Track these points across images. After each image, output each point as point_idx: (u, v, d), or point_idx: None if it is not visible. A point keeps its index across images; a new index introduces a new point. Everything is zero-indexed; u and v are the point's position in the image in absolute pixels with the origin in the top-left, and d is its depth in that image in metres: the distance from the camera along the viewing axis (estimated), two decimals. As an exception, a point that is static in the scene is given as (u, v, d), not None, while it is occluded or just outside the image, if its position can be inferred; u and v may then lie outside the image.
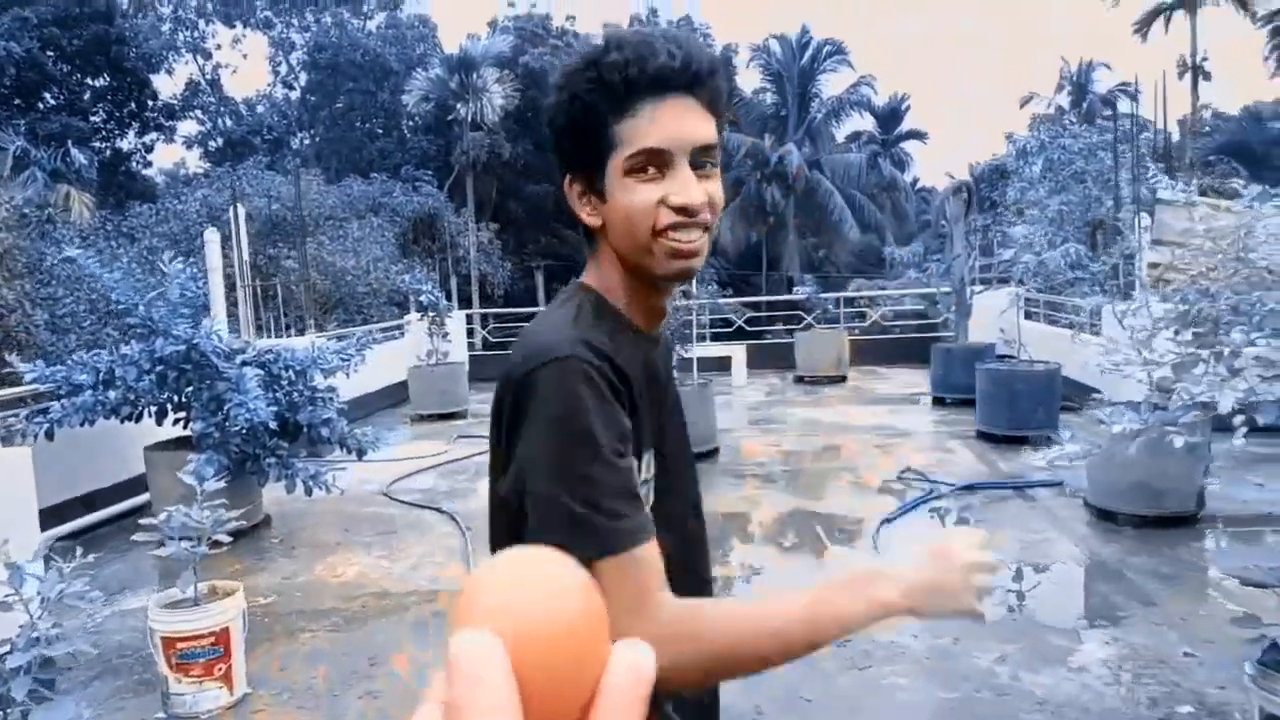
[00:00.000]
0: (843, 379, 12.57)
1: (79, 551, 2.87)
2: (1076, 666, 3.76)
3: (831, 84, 31.87)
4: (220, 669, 3.71)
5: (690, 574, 1.13)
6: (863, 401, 10.88)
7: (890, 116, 34.52)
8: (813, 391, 11.85)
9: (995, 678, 3.70)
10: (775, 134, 31.08)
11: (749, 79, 33.63)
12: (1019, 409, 7.81)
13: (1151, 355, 3.63)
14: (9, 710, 2.63)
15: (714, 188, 1.06)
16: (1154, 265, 6.40)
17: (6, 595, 2.67)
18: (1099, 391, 7.35)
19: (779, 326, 16.66)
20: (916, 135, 34.76)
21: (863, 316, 15.26)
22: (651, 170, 1.04)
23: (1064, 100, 32.14)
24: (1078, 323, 9.89)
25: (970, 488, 6.60)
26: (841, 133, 33.54)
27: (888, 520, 5.88)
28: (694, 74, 1.04)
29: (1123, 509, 5.51)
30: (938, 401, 10.23)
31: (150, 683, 3.94)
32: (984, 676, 3.71)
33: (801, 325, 14.21)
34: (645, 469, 1.07)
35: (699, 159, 1.05)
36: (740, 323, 15.65)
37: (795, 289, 15.06)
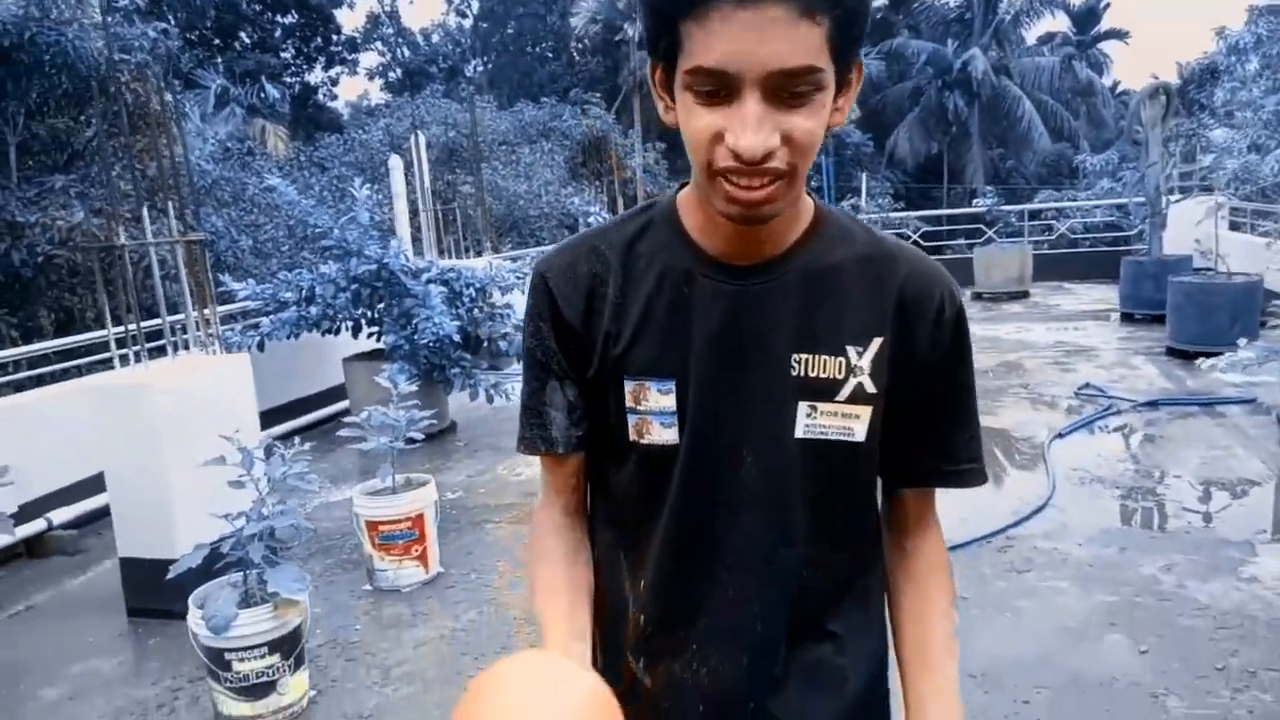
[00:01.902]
0: (1025, 295, 12.10)
1: (298, 440, 3.27)
2: (1247, 577, 3.66)
3: (1020, -18, 29.78)
4: (417, 550, 4.14)
5: (688, 524, 1.03)
6: (1045, 318, 10.48)
7: (1087, 15, 32.00)
8: (991, 308, 11.48)
9: (1159, 584, 3.66)
10: (959, 38, 29.47)
11: (930, -19, 31.89)
12: (1213, 323, 7.36)
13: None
14: (248, 571, 3.07)
15: (801, 123, 0.83)
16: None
17: (240, 475, 3.10)
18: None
19: (960, 241, 16.10)
20: (1116, 35, 32.13)
21: (1049, 230, 14.52)
22: (715, 92, 0.83)
23: (1292, -15, 28.86)
24: (1282, 231, 9.11)
25: (1153, 404, 6.33)
26: (1032, 35, 31.48)
27: (1060, 435, 5.76)
28: None
29: (1320, 425, 5.20)
30: (1126, 318, 9.75)
31: (357, 562, 4.43)
32: (1147, 583, 3.68)
33: (982, 239, 13.71)
34: (636, 397, 1.01)
35: (785, 85, 0.81)
36: (915, 238, 15.22)
37: (975, 201, 14.50)
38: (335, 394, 7.53)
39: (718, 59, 0.81)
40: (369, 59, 33.40)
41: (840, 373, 0.99)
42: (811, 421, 0.99)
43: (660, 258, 1.01)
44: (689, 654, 1.06)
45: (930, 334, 1.01)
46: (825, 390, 0.99)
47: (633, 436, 1.02)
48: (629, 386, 1.01)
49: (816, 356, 0.98)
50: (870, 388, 0.99)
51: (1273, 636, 3.21)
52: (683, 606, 1.05)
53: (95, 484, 5.24)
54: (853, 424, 1.00)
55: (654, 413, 1.00)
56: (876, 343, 1.00)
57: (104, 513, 5.21)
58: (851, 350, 0.99)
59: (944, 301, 1.02)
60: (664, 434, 1.01)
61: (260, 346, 6.30)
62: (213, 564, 3.18)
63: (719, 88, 0.82)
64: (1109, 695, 2.93)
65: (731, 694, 1.05)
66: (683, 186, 1.05)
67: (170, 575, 3.16)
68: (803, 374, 0.98)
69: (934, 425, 1.06)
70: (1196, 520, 4.37)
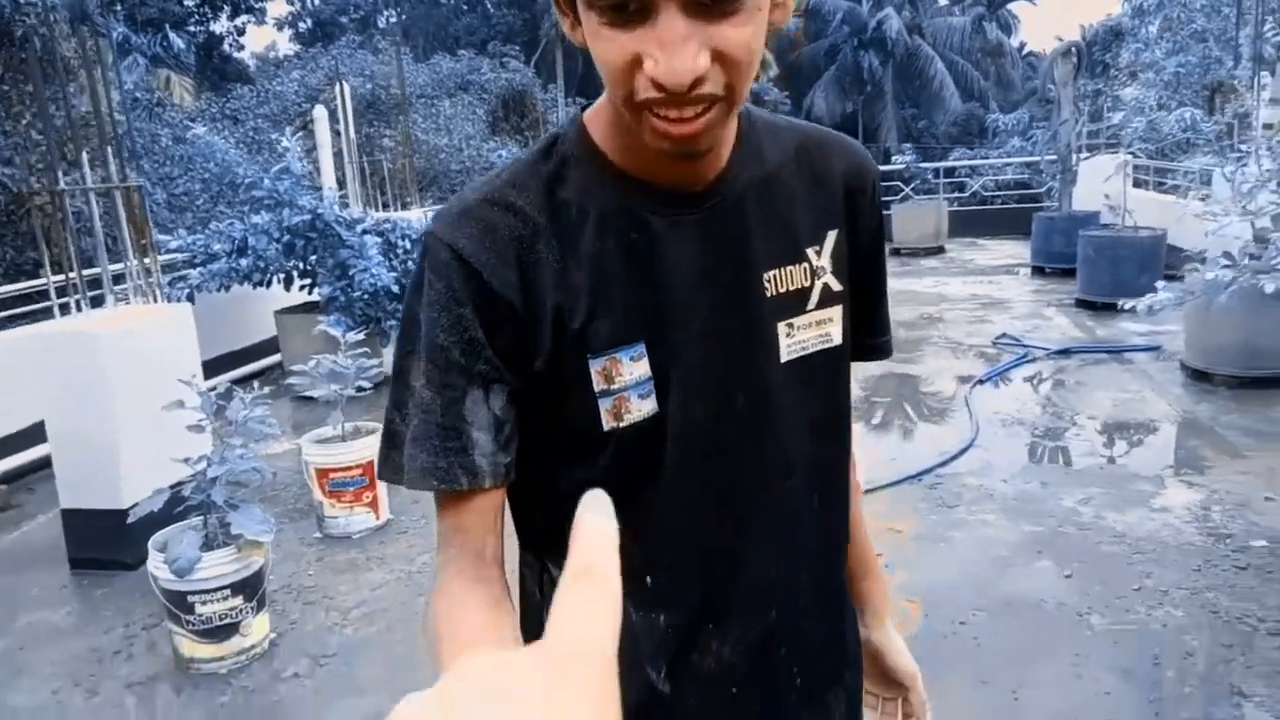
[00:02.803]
0: (940, 250, 12.49)
1: (256, 385, 3.28)
2: (1158, 507, 3.95)
3: (934, -58, 30.24)
4: (368, 497, 4.17)
5: (691, 500, 0.88)
6: (961, 273, 10.85)
7: (997, -24, 32.68)
8: (909, 264, 11.83)
9: (1079, 516, 3.92)
10: (873, -2, 29.85)
11: (847, -60, 32.10)
12: (1121, 275, 7.76)
13: (1252, 208, 3.67)
14: (209, 515, 3.09)
15: (735, 34, 0.71)
16: (1269, 126, 6.23)
17: (200, 419, 3.10)
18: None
19: (875, 199, 16.46)
20: (1025, -4, 32.89)
21: (962, 187, 14.98)
22: (623, 7, 0.70)
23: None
24: (1186, 187, 9.63)
25: (1065, 352, 6.68)
26: (944, -5, 32.01)
27: (980, 381, 6.04)
28: None
29: (1219, 370, 5.55)
30: (1037, 271, 10.17)
31: (304, 510, 4.45)
32: (1068, 514, 3.94)
33: (899, 197, 14.07)
34: (608, 375, 0.83)
35: None
36: (834, 195, 15.49)
37: (893, 159, 14.84)
38: (266, 348, 7.43)
39: None
40: (277, 8, 32.22)
41: (806, 279, 0.91)
42: (791, 340, 0.91)
43: (593, 202, 0.85)
44: (707, 634, 0.91)
45: (868, 214, 0.98)
46: (797, 303, 0.91)
47: (609, 424, 0.84)
48: (596, 365, 0.83)
49: (784, 269, 0.90)
50: (835, 285, 0.94)
51: (1182, 559, 3.48)
52: (696, 589, 0.91)
53: (22, 439, 5.13)
54: (829, 329, 0.93)
55: (630, 386, 0.84)
56: (831, 236, 0.93)
57: (34, 467, 5.12)
58: (810, 252, 0.92)
59: (874, 179, 0.99)
60: (643, 406, 0.85)
61: (190, 299, 6.18)
62: (173, 509, 3.18)
63: (627, 3, 0.69)
64: (1038, 615, 3.16)
65: (761, 658, 0.94)
66: (585, 108, 0.89)
67: (131, 519, 3.16)
68: (775, 292, 0.90)
69: (865, 301, 1.01)
70: (1110, 458, 4.67)
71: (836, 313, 0.94)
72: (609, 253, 0.84)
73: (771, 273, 0.89)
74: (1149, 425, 5.10)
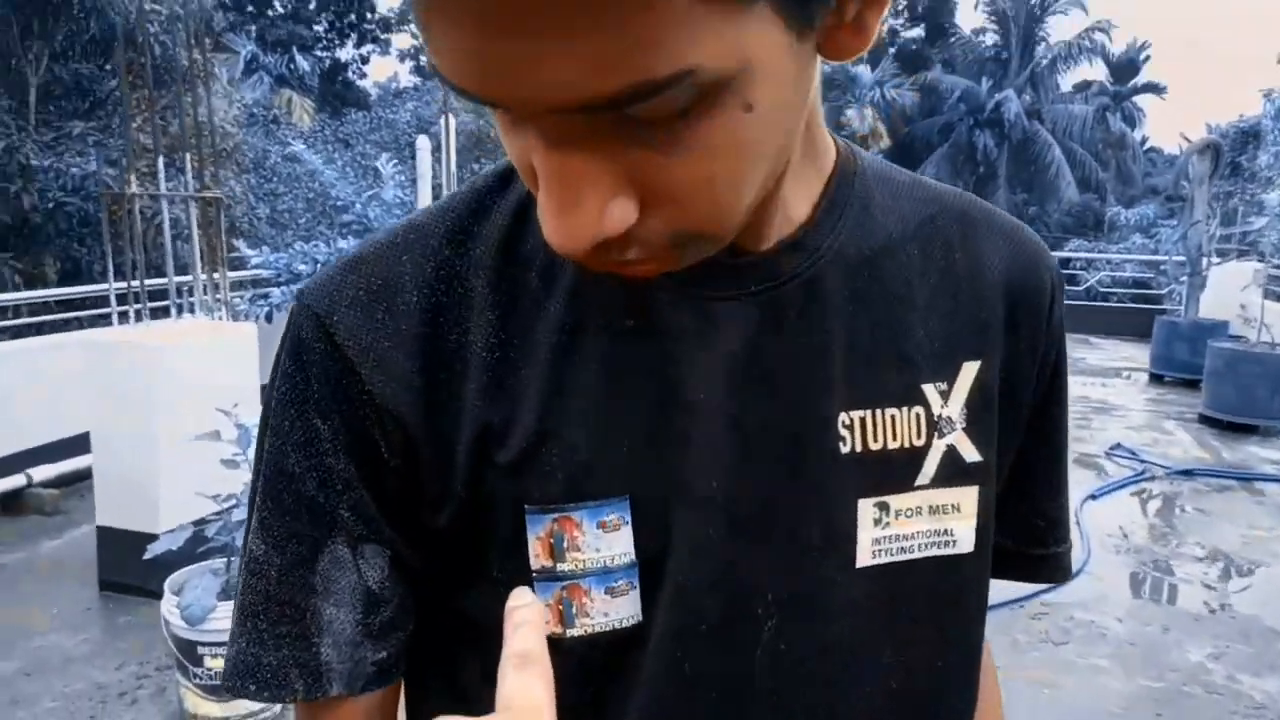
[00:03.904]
0: (1048, 345, 11.88)
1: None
2: (1307, 677, 3.40)
3: (1062, 27, 29.78)
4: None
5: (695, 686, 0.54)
6: (1071, 371, 10.15)
7: (1125, 66, 31.86)
8: (1011, 353, 11.24)
9: (1208, 674, 3.39)
10: (993, 78, 29.32)
11: (972, 19, 31.82)
12: (1253, 394, 7.10)
13: None
14: (232, 559, 2.81)
15: (676, 170, 0.40)
16: None
17: (235, 454, 2.84)
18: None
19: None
20: (1153, 88, 31.99)
21: (1075, 281, 14.30)
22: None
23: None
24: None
25: (1188, 473, 6.07)
26: (1069, 81, 31.30)
27: (1092, 497, 5.49)
28: None
29: (1371, 515, 4.95)
30: (1155, 379, 9.48)
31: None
32: (1194, 671, 3.41)
33: (1006, 284, 13.52)
34: (554, 546, 0.51)
35: (625, 109, 0.37)
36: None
37: (1005, 244, 14.31)
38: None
39: (452, 72, 0.38)
40: (401, 40, 33.16)
41: (918, 434, 0.56)
42: (884, 533, 0.55)
43: (570, 262, 0.51)
44: None
45: (1041, 342, 0.63)
46: (899, 470, 0.56)
47: (551, 627, 0.51)
48: (537, 528, 0.51)
49: (879, 412, 0.55)
50: (971, 452, 0.57)
51: (1336, 746, 2.95)
52: None
53: (82, 443, 5.00)
54: (952, 523, 0.57)
55: (593, 572, 0.51)
56: (971, 370, 0.58)
57: (88, 474, 4.96)
58: (931, 390, 0.56)
59: (1055, 288, 0.63)
60: (613, 609, 0.52)
61: (269, 318, 6.04)
62: (196, 547, 2.92)
63: (473, 96, 0.39)
64: (1162, 797, 2.67)
65: None
66: None
67: (148, 555, 2.91)
68: (858, 447, 0.54)
69: (1023, 488, 0.65)
70: (1243, 606, 4.10)
71: (970, 497, 0.58)
72: (583, 346, 0.52)
73: (857, 415, 0.54)
74: (1287, 571, 4.52)
